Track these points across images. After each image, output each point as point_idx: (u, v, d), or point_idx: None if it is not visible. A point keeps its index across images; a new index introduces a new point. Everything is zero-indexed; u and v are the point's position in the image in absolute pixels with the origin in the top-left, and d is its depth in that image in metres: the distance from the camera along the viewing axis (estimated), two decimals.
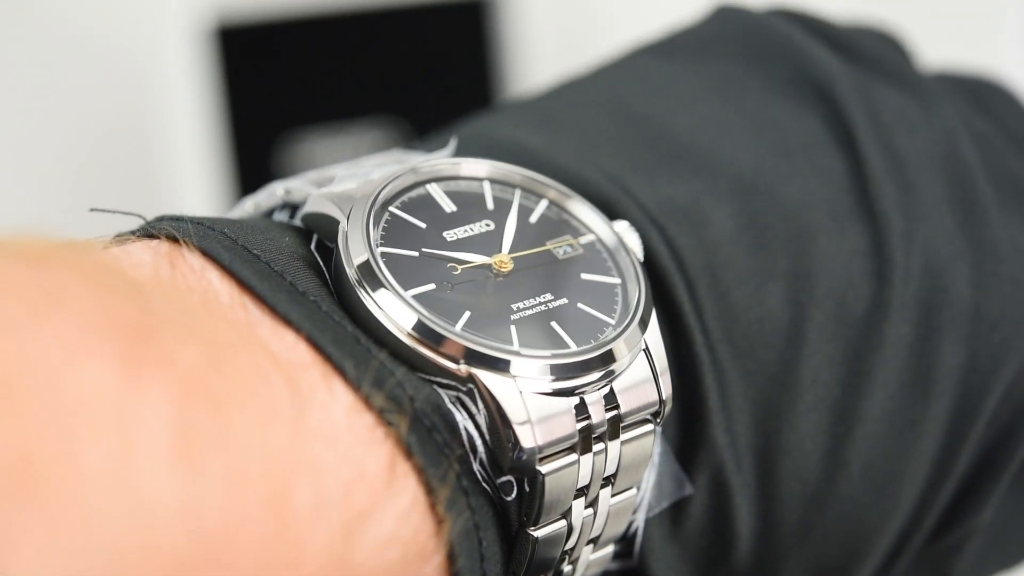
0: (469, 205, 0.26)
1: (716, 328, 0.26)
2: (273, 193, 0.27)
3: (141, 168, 0.69)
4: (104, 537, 0.17)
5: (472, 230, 0.26)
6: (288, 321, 0.22)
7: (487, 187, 0.27)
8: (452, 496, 0.22)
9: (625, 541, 0.26)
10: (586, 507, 0.24)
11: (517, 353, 0.23)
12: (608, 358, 0.24)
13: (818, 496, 0.27)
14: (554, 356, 0.23)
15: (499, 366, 0.23)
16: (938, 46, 0.74)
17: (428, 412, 0.22)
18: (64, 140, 0.69)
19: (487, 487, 0.23)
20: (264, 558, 0.19)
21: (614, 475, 0.24)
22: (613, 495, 0.24)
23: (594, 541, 0.25)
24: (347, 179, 0.26)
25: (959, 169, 0.29)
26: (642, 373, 0.24)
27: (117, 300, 0.19)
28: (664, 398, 0.24)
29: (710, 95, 0.30)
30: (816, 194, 0.28)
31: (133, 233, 0.25)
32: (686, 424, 0.26)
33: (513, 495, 0.23)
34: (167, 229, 0.24)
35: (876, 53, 0.32)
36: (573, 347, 0.24)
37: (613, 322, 0.25)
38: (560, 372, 0.23)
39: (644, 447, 0.24)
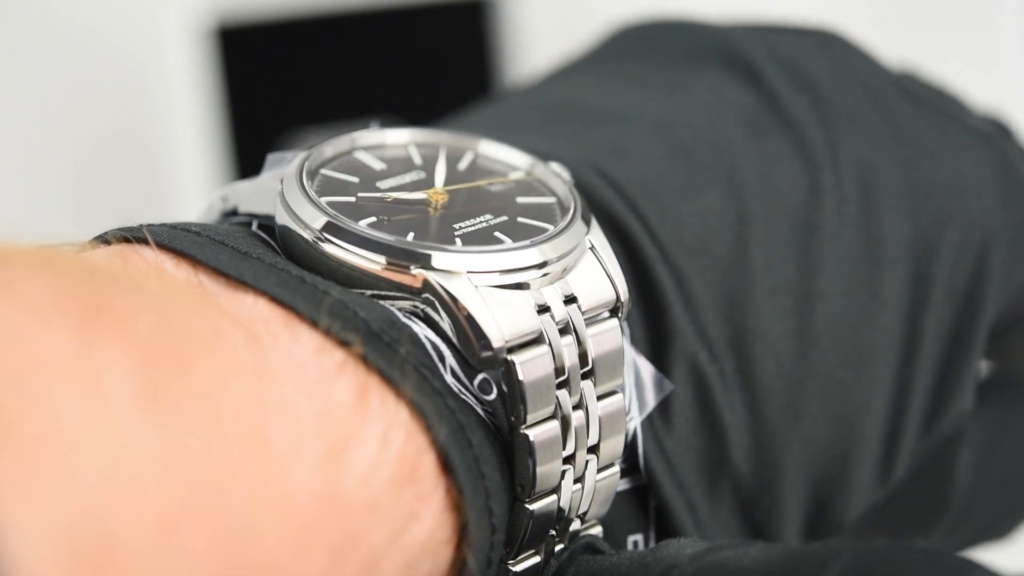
0: (397, 162, 0.27)
1: (663, 233, 0.27)
2: (211, 207, 0.28)
3: (141, 168, 0.69)
4: (87, 478, 0.17)
5: (404, 179, 0.27)
6: (239, 281, 0.23)
7: (412, 148, 0.28)
8: (428, 403, 0.22)
9: (628, 451, 0.26)
10: (573, 407, 0.24)
11: (463, 251, 0.24)
12: (554, 250, 0.25)
13: (796, 375, 0.27)
14: (500, 250, 0.24)
15: (451, 265, 0.24)
16: (938, 46, 0.74)
17: (385, 328, 0.23)
18: (63, 140, 0.69)
19: (466, 396, 0.23)
20: (252, 496, 0.20)
21: (592, 372, 0.25)
22: (599, 398, 0.25)
23: (595, 451, 0.25)
24: (274, 169, 0.27)
25: (868, 86, 0.31)
26: (594, 270, 0.25)
27: (69, 279, 0.20)
28: (619, 292, 0.25)
29: (617, 79, 0.32)
30: (732, 119, 0.29)
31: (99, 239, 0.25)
32: (651, 323, 0.27)
33: (493, 394, 0.23)
34: (116, 235, 0.25)
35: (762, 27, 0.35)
36: (515, 243, 0.25)
37: (554, 227, 0.26)
38: (508, 264, 0.24)
39: (613, 340, 0.25)
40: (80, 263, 0.22)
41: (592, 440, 0.25)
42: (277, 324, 0.22)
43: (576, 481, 0.25)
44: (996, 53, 0.73)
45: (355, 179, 0.26)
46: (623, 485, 0.27)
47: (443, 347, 0.23)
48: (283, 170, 0.26)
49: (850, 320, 0.28)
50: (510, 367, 0.23)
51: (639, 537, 0.27)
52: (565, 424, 0.24)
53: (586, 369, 0.24)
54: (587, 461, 0.25)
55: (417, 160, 0.27)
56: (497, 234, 0.25)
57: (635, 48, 0.34)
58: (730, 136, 0.29)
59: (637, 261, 0.27)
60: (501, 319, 0.23)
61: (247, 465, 0.20)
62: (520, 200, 0.26)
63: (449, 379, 0.23)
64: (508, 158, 0.28)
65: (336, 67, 0.70)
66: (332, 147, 0.27)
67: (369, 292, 0.24)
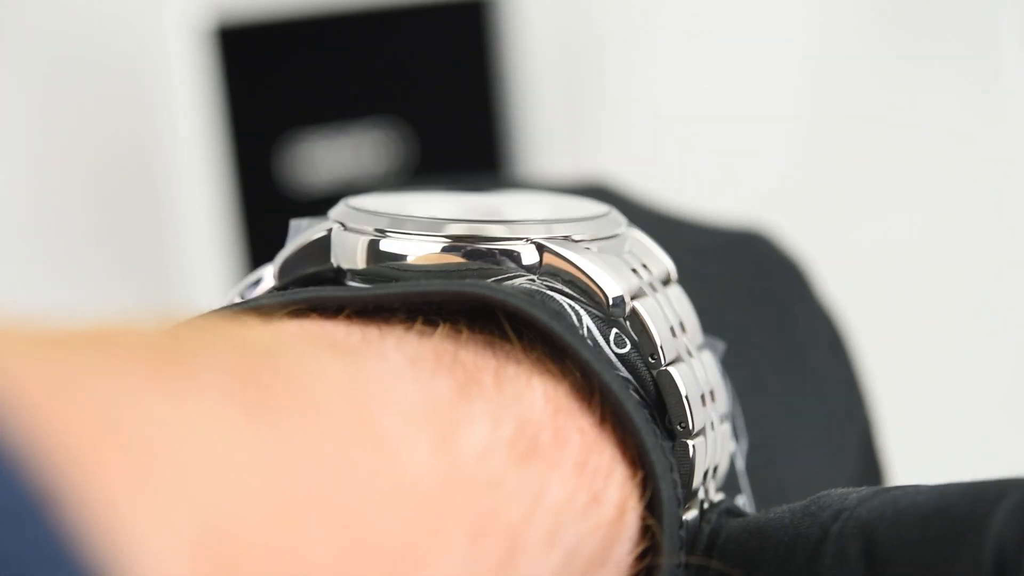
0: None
1: None
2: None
3: (140, 168, 0.69)
4: (202, 485, 0.17)
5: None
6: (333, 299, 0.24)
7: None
8: (594, 362, 0.23)
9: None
10: (689, 354, 0.25)
11: (552, 220, 0.25)
12: (612, 229, 0.26)
13: None
14: (577, 220, 0.26)
15: (541, 232, 0.25)
16: (937, 46, 0.74)
17: (531, 296, 0.24)
18: (62, 140, 0.69)
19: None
20: (371, 486, 0.20)
21: (684, 329, 0.26)
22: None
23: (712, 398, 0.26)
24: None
25: None
26: (648, 245, 0.27)
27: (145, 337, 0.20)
28: (669, 265, 0.26)
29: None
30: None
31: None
32: None
33: (627, 346, 0.24)
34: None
35: None
36: (596, 212, 0.26)
37: (604, 210, 0.27)
38: (595, 232, 0.25)
39: (685, 300, 0.26)
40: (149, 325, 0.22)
41: (709, 387, 0.26)
42: (372, 334, 0.23)
43: (711, 424, 0.25)
44: (996, 52, 0.73)
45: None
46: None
47: (580, 309, 0.24)
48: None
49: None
50: (636, 313, 0.24)
51: (744, 499, 0.28)
52: (691, 368, 0.25)
53: (679, 322, 0.26)
54: (715, 411, 0.26)
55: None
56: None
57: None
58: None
59: None
60: (615, 279, 0.24)
61: (361, 459, 0.20)
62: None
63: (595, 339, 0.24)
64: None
65: (336, 67, 0.70)
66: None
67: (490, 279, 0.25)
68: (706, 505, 0.25)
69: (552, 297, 0.24)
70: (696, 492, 0.25)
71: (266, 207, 0.66)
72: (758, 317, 0.32)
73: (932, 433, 0.70)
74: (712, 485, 0.26)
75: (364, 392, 0.21)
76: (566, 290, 0.24)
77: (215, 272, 0.65)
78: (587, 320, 0.24)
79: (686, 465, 0.24)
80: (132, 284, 0.69)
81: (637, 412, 0.23)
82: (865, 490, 0.23)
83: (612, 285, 0.24)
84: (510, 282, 0.25)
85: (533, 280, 0.25)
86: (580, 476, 0.23)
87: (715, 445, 0.25)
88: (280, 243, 0.27)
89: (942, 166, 0.74)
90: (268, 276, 0.27)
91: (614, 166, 0.80)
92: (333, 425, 0.20)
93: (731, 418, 0.27)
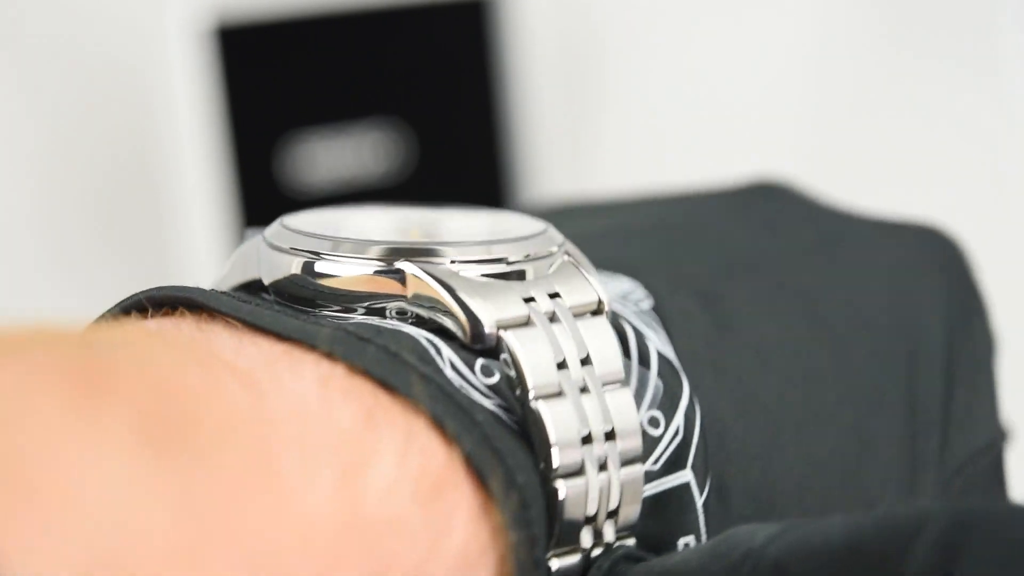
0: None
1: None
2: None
3: (140, 168, 0.69)
4: (97, 524, 0.18)
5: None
6: (238, 319, 0.23)
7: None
8: (441, 408, 0.22)
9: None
10: (580, 390, 0.24)
11: (447, 243, 0.24)
12: (535, 247, 0.25)
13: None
14: (482, 242, 0.25)
15: (432, 255, 0.24)
16: (937, 45, 0.74)
17: (386, 341, 0.23)
18: (61, 141, 0.69)
19: (469, 388, 0.23)
20: (270, 528, 0.20)
21: (590, 361, 0.24)
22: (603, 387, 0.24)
23: (612, 438, 0.24)
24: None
25: None
26: (575, 275, 0.25)
27: (62, 350, 0.20)
28: (601, 295, 0.25)
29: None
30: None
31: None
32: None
33: (496, 376, 0.23)
34: (125, 306, 0.25)
35: None
36: (503, 239, 0.25)
37: (540, 228, 0.26)
38: (490, 254, 0.24)
39: (604, 332, 0.25)
40: (72, 332, 0.22)
41: (606, 426, 0.24)
42: (280, 364, 0.22)
43: (600, 469, 0.24)
44: (995, 52, 0.73)
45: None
46: (669, 483, 0.26)
47: (438, 341, 0.23)
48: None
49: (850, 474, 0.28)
50: (506, 343, 0.23)
51: (691, 539, 0.26)
52: (573, 404, 0.24)
53: (584, 357, 0.24)
54: (606, 451, 0.24)
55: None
56: (478, 239, 0.25)
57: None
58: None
59: None
60: (488, 299, 0.23)
61: (259, 499, 0.20)
62: (500, 229, 0.27)
63: (449, 373, 0.23)
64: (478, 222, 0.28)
65: (336, 67, 0.69)
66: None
67: (363, 305, 0.24)
68: (597, 551, 0.24)
69: (395, 331, 0.23)
70: (576, 537, 0.24)
71: (266, 207, 0.66)
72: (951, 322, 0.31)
73: None
74: (609, 528, 0.24)
75: (266, 427, 0.21)
76: (431, 317, 0.24)
77: (216, 272, 0.65)
78: (447, 351, 0.23)
79: (553, 502, 0.23)
80: (133, 284, 0.69)
81: (481, 449, 0.22)
82: (774, 527, 0.22)
83: (477, 314, 0.23)
84: (385, 304, 0.24)
85: (400, 308, 0.24)
86: (478, 520, 0.22)
87: (606, 488, 0.24)
88: None
89: (942, 162, 0.74)
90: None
91: (614, 166, 0.80)
92: (232, 464, 0.20)
93: (668, 461, 0.25)
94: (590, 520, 0.24)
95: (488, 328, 0.23)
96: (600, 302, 0.25)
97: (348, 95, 0.70)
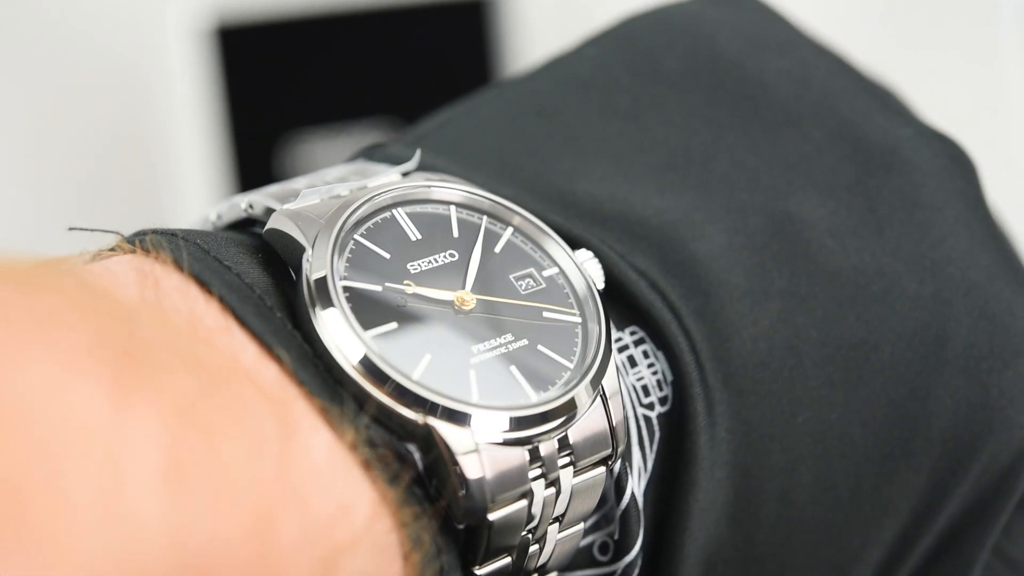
0: (434, 233, 0.26)
1: (708, 356, 0.26)
2: (236, 206, 0.27)
3: (141, 168, 0.69)
4: (90, 562, 0.17)
5: (436, 261, 0.26)
6: (274, 354, 0.23)
7: (453, 212, 0.27)
8: (418, 530, 0.23)
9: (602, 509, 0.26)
10: (535, 541, 0.25)
11: (477, 406, 0.23)
12: (566, 409, 0.24)
13: (800, 522, 0.27)
14: (513, 408, 0.24)
15: (457, 419, 0.23)
16: (937, 45, 0.74)
17: (389, 443, 0.23)
18: (63, 140, 0.69)
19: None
20: None
21: (563, 515, 0.25)
22: (561, 531, 0.25)
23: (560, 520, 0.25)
24: (310, 195, 0.26)
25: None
26: (597, 422, 0.25)
27: (106, 324, 0.20)
28: (617, 446, 0.25)
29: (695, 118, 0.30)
30: (816, 211, 0.28)
31: (112, 249, 0.25)
32: (676, 445, 0.26)
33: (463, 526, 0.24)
34: (148, 244, 0.24)
35: None
36: (532, 398, 0.24)
37: (572, 366, 0.25)
38: (518, 425, 0.23)
39: (593, 492, 0.25)
40: (114, 296, 0.22)
41: (544, 560, 0.25)
42: (299, 407, 0.22)
43: (536, 542, 0.25)
44: (995, 52, 0.73)
45: (387, 255, 0.25)
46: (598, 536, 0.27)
47: (416, 455, 0.23)
48: (316, 216, 0.25)
49: (873, 474, 0.27)
50: (488, 526, 0.23)
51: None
52: (521, 547, 0.25)
53: (558, 516, 0.25)
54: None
55: (455, 231, 0.26)
56: (514, 369, 0.24)
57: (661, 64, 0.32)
58: (809, 239, 0.27)
59: (676, 370, 0.26)
60: (493, 482, 0.23)
61: (250, 553, 0.20)
62: (546, 315, 0.26)
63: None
64: (544, 243, 0.27)
65: (336, 67, 0.70)
66: (374, 200, 0.26)
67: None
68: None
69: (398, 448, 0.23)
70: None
71: None
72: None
73: None
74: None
75: (283, 481, 0.21)
76: (435, 465, 0.23)
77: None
78: (419, 464, 0.24)
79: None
80: None
81: None
82: None
83: (477, 501, 0.23)
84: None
85: (415, 436, 0.24)
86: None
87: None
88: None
89: None
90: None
91: None
92: (241, 511, 0.20)
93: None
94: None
95: (480, 514, 0.23)
96: (612, 454, 0.25)
97: (348, 95, 0.70)
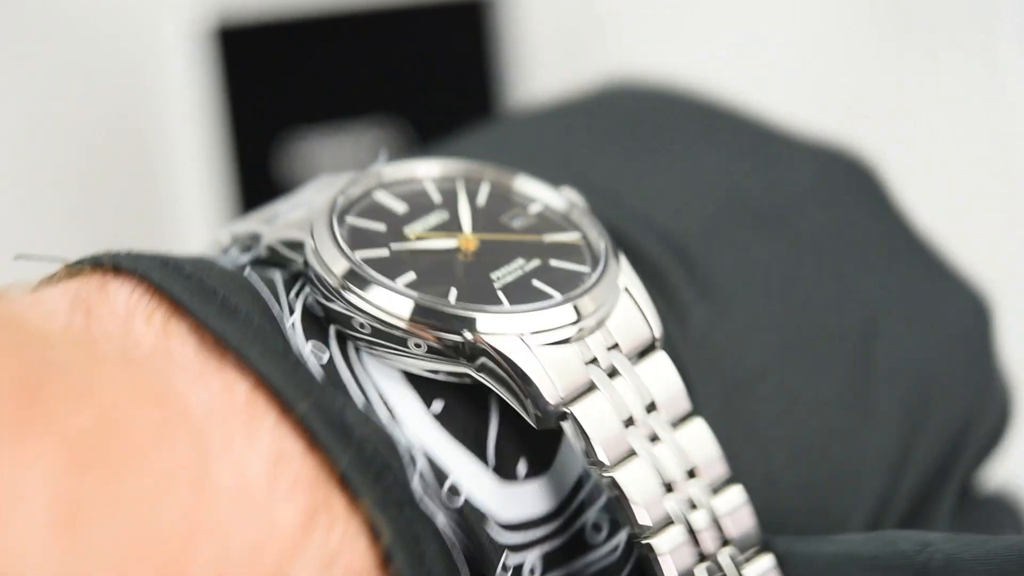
0: (418, 201, 0.27)
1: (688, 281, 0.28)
2: (217, 242, 0.27)
3: (140, 169, 0.69)
4: None
5: (428, 221, 0.27)
6: (221, 340, 0.22)
7: (429, 184, 0.28)
8: (383, 517, 0.22)
9: None
10: (651, 440, 0.24)
11: (514, 311, 0.24)
12: (594, 301, 0.25)
13: (781, 485, 0.27)
14: (548, 307, 0.25)
15: (501, 326, 0.24)
16: (937, 45, 0.74)
17: (367, 434, 0.23)
18: (62, 141, 0.69)
19: (430, 503, 0.23)
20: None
21: (655, 407, 0.25)
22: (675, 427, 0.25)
23: (693, 475, 0.25)
24: (293, 210, 0.27)
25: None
26: (630, 312, 0.25)
27: (11, 357, 0.19)
28: (654, 330, 0.25)
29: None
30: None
31: (56, 276, 0.24)
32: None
33: (460, 500, 0.23)
34: (104, 260, 0.23)
35: None
36: (560, 297, 0.25)
37: (589, 269, 0.26)
38: (557, 321, 0.24)
39: (666, 370, 0.25)
40: (31, 326, 0.21)
41: (685, 467, 0.25)
42: (240, 417, 0.21)
43: (692, 508, 0.25)
44: (995, 51, 0.73)
45: (382, 227, 0.26)
46: None
47: (418, 454, 0.23)
48: (307, 217, 0.26)
49: (842, 434, 0.28)
50: (572, 419, 0.24)
51: None
52: (647, 460, 0.24)
53: (649, 403, 0.25)
54: (692, 490, 0.25)
55: (436, 197, 0.27)
56: (535, 283, 0.25)
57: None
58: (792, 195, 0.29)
59: (665, 292, 0.27)
60: (555, 376, 0.24)
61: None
62: (548, 239, 0.27)
63: (416, 484, 0.23)
64: (524, 187, 0.28)
65: (336, 67, 0.69)
66: (355, 186, 0.27)
67: (409, 356, 0.24)
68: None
69: (387, 434, 0.23)
70: None
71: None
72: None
73: None
74: (723, 554, 0.25)
75: (199, 513, 0.20)
76: (492, 386, 0.24)
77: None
78: (422, 465, 0.23)
79: (657, 563, 0.24)
80: None
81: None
82: (941, 533, 0.23)
83: (546, 395, 0.24)
84: (437, 365, 0.25)
85: (465, 370, 0.24)
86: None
87: (709, 523, 0.25)
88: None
89: (942, 156, 0.74)
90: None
91: None
92: (145, 557, 0.19)
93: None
94: (707, 557, 0.24)
95: (555, 409, 0.24)
96: (654, 339, 0.25)
97: (348, 95, 0.70)
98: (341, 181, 0.27)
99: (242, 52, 0.67)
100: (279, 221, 0.26)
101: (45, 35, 0.68)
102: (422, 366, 0.24)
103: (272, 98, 0.68)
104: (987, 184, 0.74)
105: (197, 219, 0.65)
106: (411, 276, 0.25)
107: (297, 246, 0.25)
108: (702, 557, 0.24)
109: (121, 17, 0.68)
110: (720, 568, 0.24)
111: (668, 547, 0.24)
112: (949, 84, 0.74)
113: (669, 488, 0.24)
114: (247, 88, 0.67)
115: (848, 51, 0.74)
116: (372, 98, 0.70)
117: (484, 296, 0.24)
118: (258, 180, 0.67)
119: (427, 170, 0.28)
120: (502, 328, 0.23)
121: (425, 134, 0.71)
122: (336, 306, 0.24)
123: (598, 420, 0.24)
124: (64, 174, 0.69)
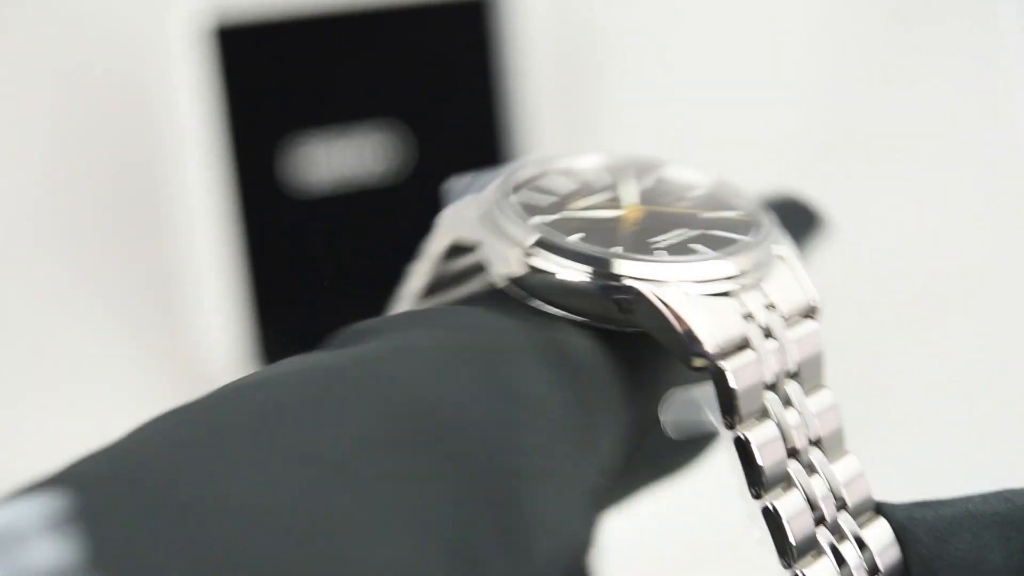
0: (587, 183, 0.29)
1: None
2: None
3: (140, 169, 0.69)
4: None
5: (596, 199, 0.28)
6: None
7: (602, 171, 0.30)
8: None
9: None
10: (785, 405, 0.25)
11: (670, 261, 0.25)
12: (750, 260, 0.26)
13: None
14: (702, 259, 0.26)
15: (659, 275, 0.25)
16: (937, 44, 0.74)
17: None
18: (61, 141, 0.69)
19: None
20: None
21: (798, 375, 0.26)
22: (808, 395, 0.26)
23: (819, 445, 0.26)
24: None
25: None
26: (787, 277, 0.26)
27: None
28: (813, 296, 0.26)
29: None
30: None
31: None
32: None
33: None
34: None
35: None
36: (717, 253, 0.26)
37: (749, 239, 0.27)
38: (711, 274, 0.25)
39: (815, 342, 0.26)
40: None
41: (813, 433, 0.25)
42: None
43: (811, 472, 0.25)
44: (995, 51, 0.73)
45: (552, 198, 0.28)
46: None
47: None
48: (477, 195, 0.28)
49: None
50: (722, 373, 0.24)
51: None
52: (778, 425, 0.25)
53: (792, 372, 0.26)
54: (813, 459, 0.25)
55: (608, 180, 0.29)
56: (693, 245, 0.26)
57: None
58: None
59: None
60: (713, 326, 0.24)
61: None
62: (709, 215, 0.28)
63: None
64: (692, 178, 0.30)
65: (336, 67, 0.69)
66: (525, 171, 0.29)
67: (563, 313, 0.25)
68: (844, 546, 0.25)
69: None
70: (809, 535, 0.25)
71: (267, 208, 0.66)
72: None
73: (931, 424, 0.70)
74: (846, 520, 0.25)
75: None
76: (650, 330, 0.25)
77: (216, 273, 0.65)
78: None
79: (773, 519, 0.24)
80: (132, 284, 0.69)
81: None
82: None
83: (704, 342, 0.24)
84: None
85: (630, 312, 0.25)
86: None
87: (820, 490, 0.25)
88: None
89: (942, 156, 0.74)
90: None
91: None
92: None
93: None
94: (824, 521, 0.25)
95: (712, 359, 0.24)
96: (813, 308, 0.26)
97: (348, 95, 0.70)
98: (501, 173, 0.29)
99: (242, 52, 0.67)
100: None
101: (44, 35, 0.68)
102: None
103: (271, 97, 0.68)
104: (987, 184, 0.74)
105: (197, 218, 0.65)
106: (580, 235, 0.26)
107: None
108: (820, 520, 0.25)
109: (120, 17, 0.68)
110: (840, 530, 0.25)
111: (788, 514, 0.24)
112: (949, 84, 0.74)
113: (791, 453, 0.25)
114: (247, 88, 0.67)
115: (847, 59, 0.74)
116: (373, 99, 0.70)
117: (643, 255, 0.26)
118: (259, 180, 0.67)
119: (601, 160, 0.30)
120: (663, 275, 0.25)
121: (425, 135, 0.71)
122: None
123: (744, 382, 0.24)
124: (62, 174, 0.69)
